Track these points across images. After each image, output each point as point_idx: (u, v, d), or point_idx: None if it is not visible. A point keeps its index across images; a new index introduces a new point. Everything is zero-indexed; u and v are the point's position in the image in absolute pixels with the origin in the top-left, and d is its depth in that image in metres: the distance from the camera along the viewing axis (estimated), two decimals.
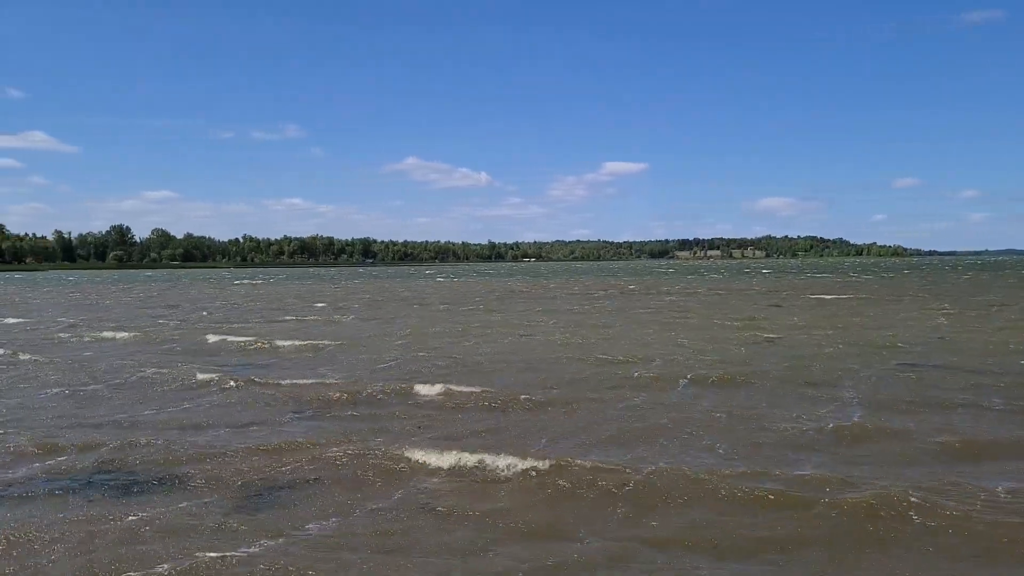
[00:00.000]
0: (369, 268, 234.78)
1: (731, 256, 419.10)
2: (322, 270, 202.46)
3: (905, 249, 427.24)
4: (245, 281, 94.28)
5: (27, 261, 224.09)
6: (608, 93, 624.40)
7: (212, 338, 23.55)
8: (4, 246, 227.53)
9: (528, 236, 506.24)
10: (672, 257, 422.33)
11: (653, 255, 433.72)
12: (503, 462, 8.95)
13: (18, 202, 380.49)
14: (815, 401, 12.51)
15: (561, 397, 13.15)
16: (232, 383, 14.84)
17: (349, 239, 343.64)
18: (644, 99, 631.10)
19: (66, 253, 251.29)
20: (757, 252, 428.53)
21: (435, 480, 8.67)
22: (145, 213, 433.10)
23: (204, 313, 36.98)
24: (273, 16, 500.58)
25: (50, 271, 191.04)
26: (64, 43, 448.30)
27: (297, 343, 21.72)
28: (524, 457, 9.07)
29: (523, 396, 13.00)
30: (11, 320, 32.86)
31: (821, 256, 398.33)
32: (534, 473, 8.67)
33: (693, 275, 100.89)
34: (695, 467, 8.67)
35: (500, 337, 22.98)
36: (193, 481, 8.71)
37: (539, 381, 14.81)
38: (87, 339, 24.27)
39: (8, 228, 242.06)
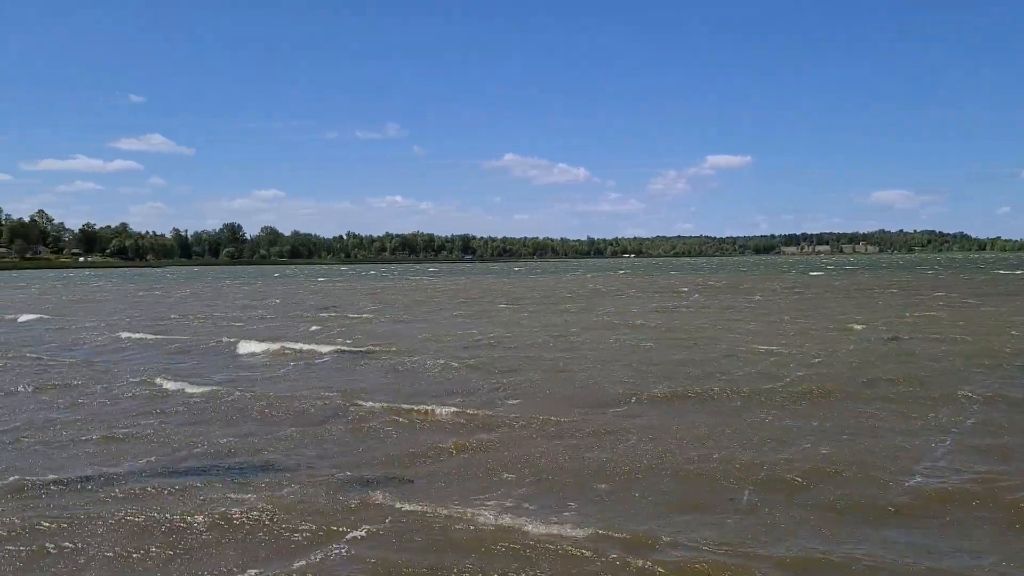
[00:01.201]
0: (469, 264, 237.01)
1: (841, 251, 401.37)
2: (424, 266, 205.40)
3: None
4: (369, 274, 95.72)
5: (148, 258, 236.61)
6: (710, 85, 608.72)
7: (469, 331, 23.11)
8: (127, 244, 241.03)
9: (628, 231, 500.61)
10: (778, 253, 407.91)
11: (757, 251, 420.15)
12: None
13: (139, 202, 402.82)
14: None
15: None
16: None
17: (449, 235, 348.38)
18: (749, 91, 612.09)
19: (183, 250, 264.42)
20: (870, 247, 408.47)
21: None
22: (255, 211, 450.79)
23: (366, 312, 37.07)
24: (375, 16, 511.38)
25: (169, 267, 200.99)
26: (180, 49, 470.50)
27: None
28: None
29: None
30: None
31: (940, 251, 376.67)
32: None
33: (804, 271, 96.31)
34: None
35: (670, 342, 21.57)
36: None
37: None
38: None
39: (131, 227, 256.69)
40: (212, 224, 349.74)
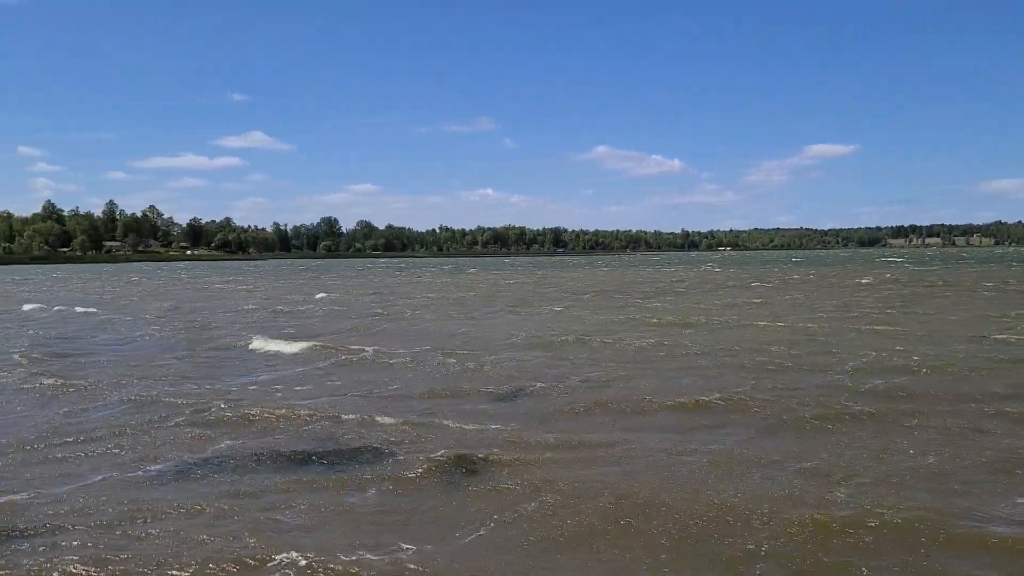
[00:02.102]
0: (561, 257, 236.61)
1: (953, 244, 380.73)
2: (515, 259, 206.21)
3: None
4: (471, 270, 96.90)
5: (250, 251, 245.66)
6: (812, 73, 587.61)
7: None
8: (231, 237, 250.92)
9: (724, 224, 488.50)
10: (884, 245, 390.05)
11: (862, 244, 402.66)
12: None
13: (241, 197, 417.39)
14: None
15: None
16: None
17: (540, 229, 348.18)
18: (852, 77, 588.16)
19: (282, 243, 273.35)
20: (984, 239, 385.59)
21: None
22: (351, 205, 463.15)
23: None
24: (464, 10, 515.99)
25: (271, 260, 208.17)
26: (279, 48, 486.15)
27: None
28: None
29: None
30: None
31: None
32: None
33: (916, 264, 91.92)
34: None
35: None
36: None
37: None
38: None
39: (234, 221, 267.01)
40: (310, 218, 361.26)
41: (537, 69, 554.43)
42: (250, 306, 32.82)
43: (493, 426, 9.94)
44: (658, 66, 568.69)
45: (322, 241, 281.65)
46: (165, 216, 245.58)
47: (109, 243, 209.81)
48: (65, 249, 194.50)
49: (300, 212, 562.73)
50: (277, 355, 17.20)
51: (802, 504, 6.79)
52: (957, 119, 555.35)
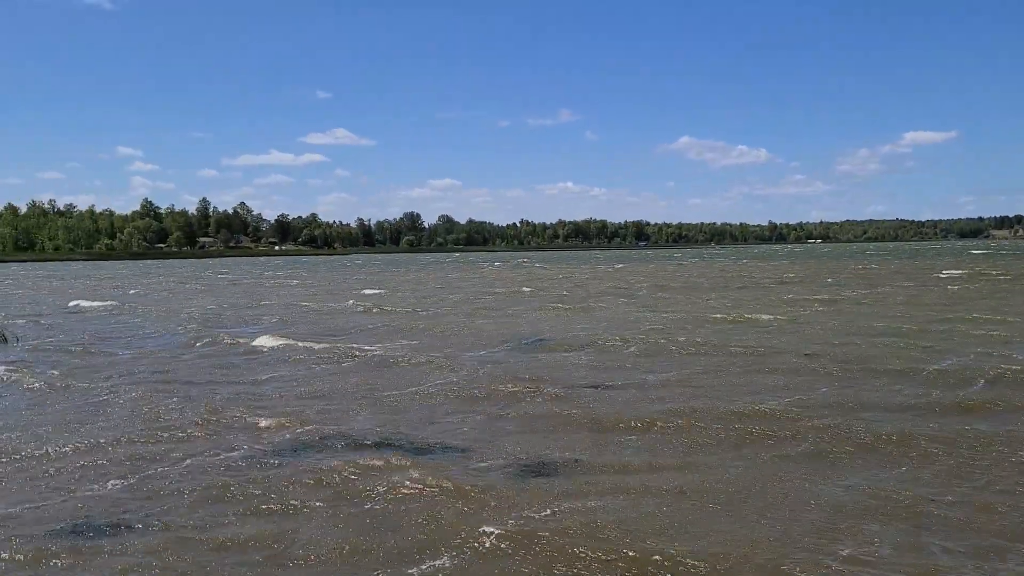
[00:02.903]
0: (643, 251, 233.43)
1: None
2: (598, 253, 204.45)
3: None
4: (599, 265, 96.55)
5: (335, 246, 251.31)
6: (907, 55, 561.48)
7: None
8: (316, 233, 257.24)
9: (813, 215, 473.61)
10: (987, 236, 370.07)
11: (963, 235, 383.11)
12: None
13: (326, 193, 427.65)
14: None
15: None
16: None
17: (622, 222, 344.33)
18: (950, 60, 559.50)
19: (366, 238, 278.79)
20: None
21: None
22: (432, 200, 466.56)
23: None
24: (544, 2, 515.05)
25: (355, 254, 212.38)
26: (361, 46, 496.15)
27: None
28: None
29: None
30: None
31: None
32: None
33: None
34: None
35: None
36: None
37: None
38: None
39: (320, 216, 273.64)
40: (393, 213, 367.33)
41: (618, 59, 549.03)
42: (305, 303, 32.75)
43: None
44: (743, 53, 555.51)
45: (404, 236, 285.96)
46: (254, 212, 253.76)
47: (203, 239, 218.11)
48: (162, 245, 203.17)
49: (383, 207, 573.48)
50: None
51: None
52: None
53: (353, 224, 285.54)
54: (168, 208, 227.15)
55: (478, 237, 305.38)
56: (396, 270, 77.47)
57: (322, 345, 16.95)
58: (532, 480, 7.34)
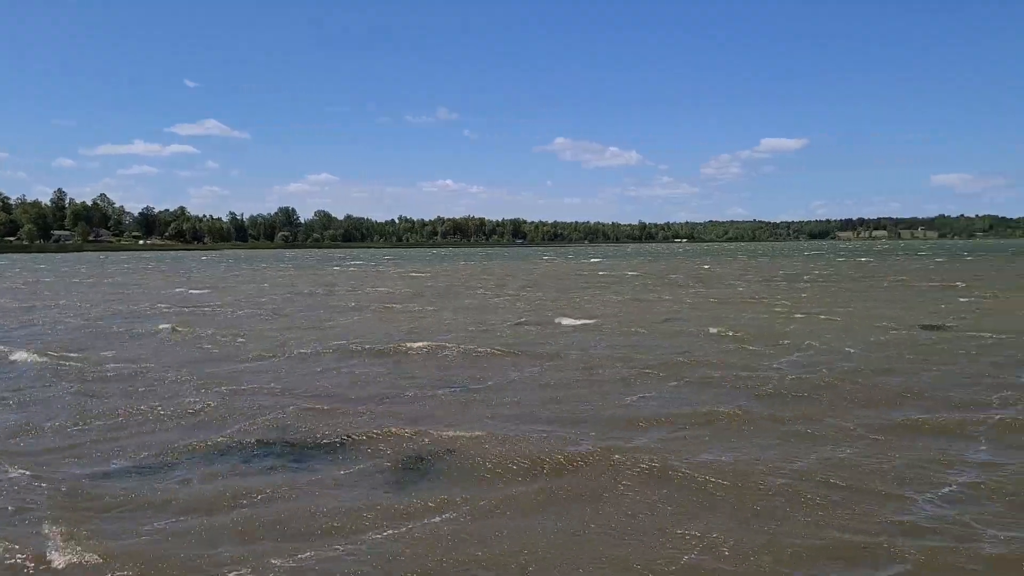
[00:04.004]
0: (523, 248, 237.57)
1: (898, 236, 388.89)
2: (478, 250, 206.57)
3: None
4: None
5: (205, 241, 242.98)
6: (765, 65, 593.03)
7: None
8: (185, 227, 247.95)
9: (680, 216, 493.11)
10: (834, 238, 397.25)
11: (812, 236, 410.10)
12: None
13: (197, 186, 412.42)
14: None
15: None
16: None
17: (500, 220, 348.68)
18: (803, 70, 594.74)
19: (239, 233, 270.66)
20: (929, 232, 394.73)
21: None
22: (309, 195, 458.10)
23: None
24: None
25: (226, 249, 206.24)
26: (234, 35, 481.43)
27: None
28: None
29: None
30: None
31: (1003, 237, 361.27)
32: None
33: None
34: None
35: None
36: None
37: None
38: None
39: (189, 210, 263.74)
40: (268, 207, 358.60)
41: (495, 59, 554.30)
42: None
43: None
44: (615, 59, 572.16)
45: (279, 231, 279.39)
46: (116, 205, 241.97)
47: (58, 232, 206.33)
48: (11, 238, 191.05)
49: (258, 202, 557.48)
50: None
51: None
52: (903, 115, 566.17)
53: (225, 218, 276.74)
54: (19, 198, 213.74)
55: (356, 233, 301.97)
56: (242, 269, 76.83)
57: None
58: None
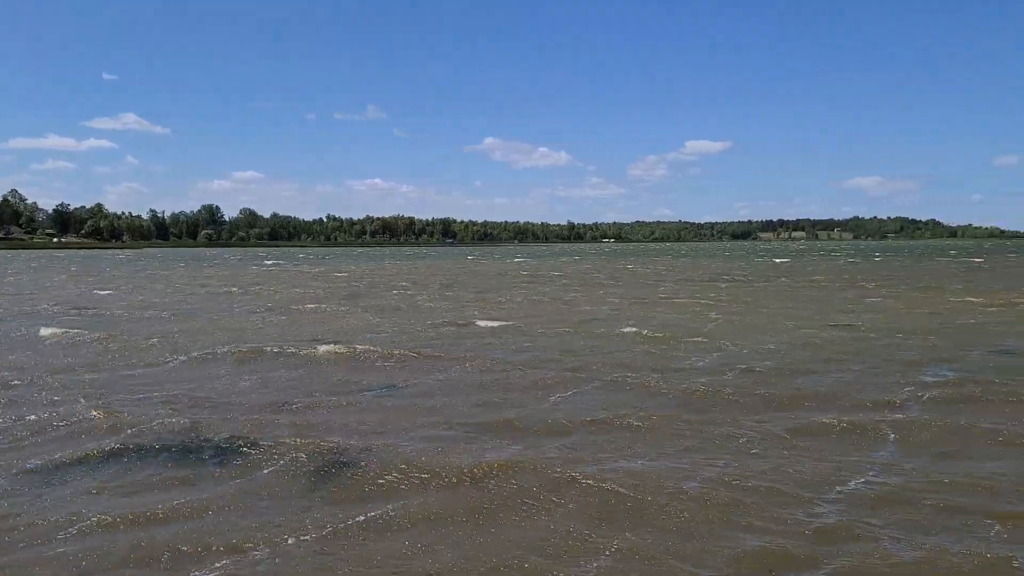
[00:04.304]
0: (451, 248, 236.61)
1: (816, 237, 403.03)
2: (409, 250, 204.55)
3: (1003, 231, 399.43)
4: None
5: (124, 239, 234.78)
6: (691, 69, 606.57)
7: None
8: (103, 224, 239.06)
9: (608, 217, 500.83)
10: (755, 239, 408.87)
11: (736, 236, 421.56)
12: None
13: (115, 183, 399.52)
14: None
15: None
16: None
17: (430, 219, 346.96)
18: (726, 74, 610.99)
19: (160, 231, 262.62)
20: (844, 234, 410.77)
21: None
22: (234, 193, 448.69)
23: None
24: None
25: (148, 248, 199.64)
26: (153, 27, 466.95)
27: None
28: None
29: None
30: None
31: (912, 238, 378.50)
32: None
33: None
34: None
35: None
36: None
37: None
38: None
39: (106, 207, 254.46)
40: (191, 205, 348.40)
41: (426, 59, 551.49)
42: None
43: None
44: (543, 60, 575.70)
45: (203, 230, 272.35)
46: (29, 201, 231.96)
47: None
48: None
49: (180, 200, 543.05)
50: None
51: None
52: (821, 117, 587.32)
53: (145, 216, 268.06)
54: None
55: (283, 232, 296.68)
56: (158, 268, 74.47)
57: None
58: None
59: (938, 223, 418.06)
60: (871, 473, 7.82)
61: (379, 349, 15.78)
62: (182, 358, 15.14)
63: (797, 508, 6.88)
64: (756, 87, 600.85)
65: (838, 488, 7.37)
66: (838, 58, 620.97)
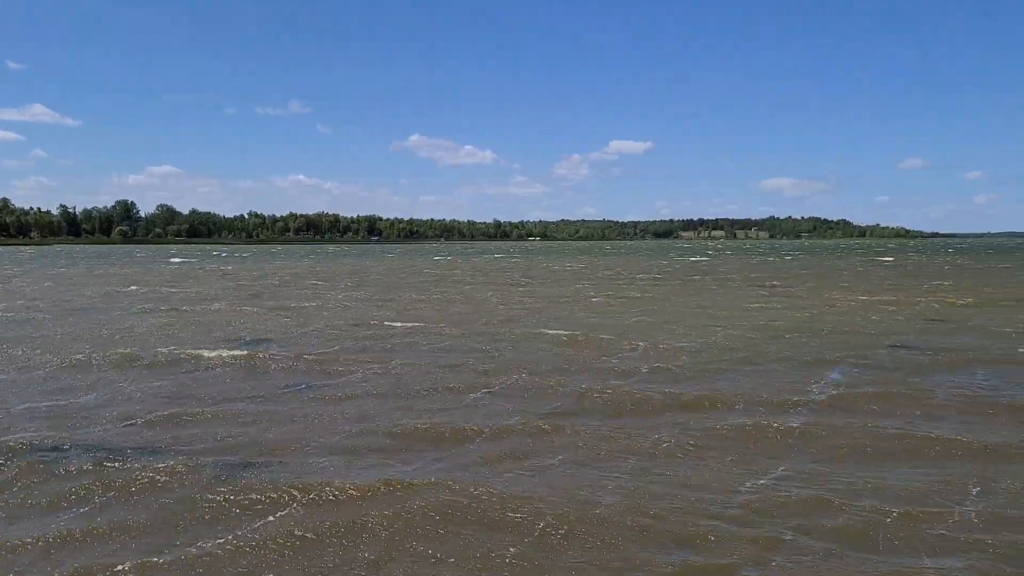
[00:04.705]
0: (375, 245, 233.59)
1: (734, 236, 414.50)
2: (333, 247, 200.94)
3: (907, 231, 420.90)
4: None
5: (32, 235, 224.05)
6: (614, 70, 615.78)
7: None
8: (9, 220, 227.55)
9: (534, 215, 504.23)
10: (676, 237, 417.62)
11: (658, 235, 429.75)
12: None
13: (22, 176, 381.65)
14: None
15: None
16: None
17: (355, 216, 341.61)
18: (649, 76, 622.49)
19: (71, 228, 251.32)
20: (761, 233, 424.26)
21: None
22: (151, 188, 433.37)
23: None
24: None
25: (58, 245, 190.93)
26: (62, 16, 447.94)
27: None
28: None
29: None
30: None
31: (824, 237, 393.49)
32: None
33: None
34: None
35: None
36: None
37: None
38: None
39: (12, 202, 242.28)
40: (105, 200, 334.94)
41: (351, 55, 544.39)
42: None
43: None
44: (469, 58, 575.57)
45: (117, 226, 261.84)
46: None
47: None
48: None
49: (93, 195, 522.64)
50: None
51: None
52: (741, 119, 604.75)
53: (55, 211, 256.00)
54: None
55: (203, 229, 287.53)
56: (56, 266, 71.13)
57: None
58: None
59: (848, 223, 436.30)
60: (776, 476, 7.70)
61: (273, 352, 15.00)
62: (54, 363, 14.05)
63: (700, 520, 6.66)
64: (678, 89, 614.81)
65: (744, 495, 7.17)
66: (756, 63, 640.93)
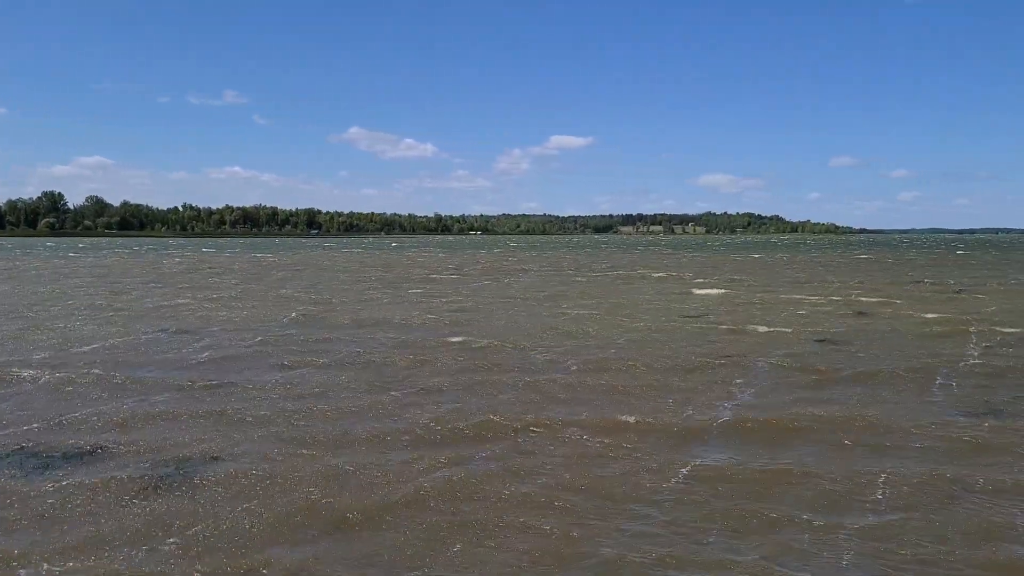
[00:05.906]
0: (315, 239, 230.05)
1: (672, 232, 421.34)
2: (271, 240, 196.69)
3: (837, 227, 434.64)
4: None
5: None
6: (554, 66, 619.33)
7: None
8: None
9: (475, 209, 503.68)
10: (616, 232, 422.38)
11: (597, 230, 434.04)
12: None
13: None
14: None
15: None
16: None
17: (294, 209, 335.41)
18: (589, 71, 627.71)
19: None
20: (698, 228, 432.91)
21: None
22: (79, 179, 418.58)
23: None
24: None
25: None
26: None
27: None
28: None
29: None
30: None
31: (758, 233, 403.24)
32: None
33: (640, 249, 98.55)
34: None
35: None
36: None
37: None
38: None
39: None
40: (30, 192, 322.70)
41: (288, 44, 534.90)
42: None
43: None
44: (409, 50, 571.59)
45: (44, 218, 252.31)
46: None
47: None
48: None
49: (17, 186, 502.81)
50: None
51: None
52: (678, 116, 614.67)
53: None
54: None
55: (134, 221, 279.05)
56: None
57: None
58: None
59: (781, 219, 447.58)
60: (686, 477, 7.72)
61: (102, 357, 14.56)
62: None
63: (615, 517, 6.68)
64: (619, 86, 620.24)
65: (651, 495, 7.19)
66: (693, 60, 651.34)
